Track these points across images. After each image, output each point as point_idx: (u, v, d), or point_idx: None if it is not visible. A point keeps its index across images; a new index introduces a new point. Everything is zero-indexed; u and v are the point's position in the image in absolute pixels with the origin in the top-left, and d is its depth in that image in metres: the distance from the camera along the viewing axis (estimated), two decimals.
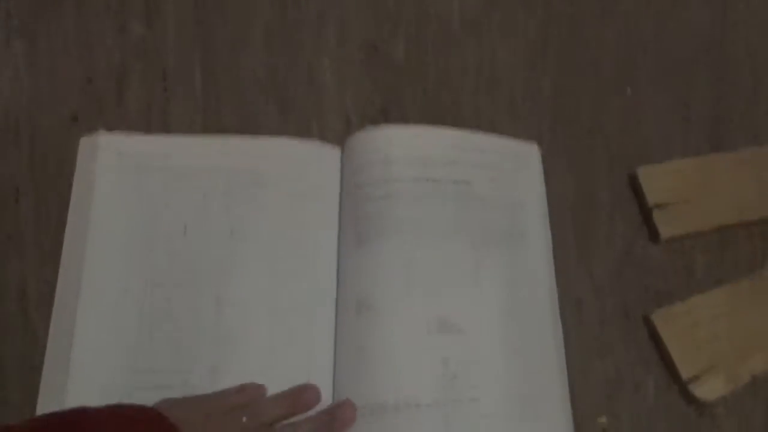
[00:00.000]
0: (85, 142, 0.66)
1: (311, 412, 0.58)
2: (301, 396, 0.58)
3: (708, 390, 0.62)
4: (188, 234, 0.63)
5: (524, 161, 0.68)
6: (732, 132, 0.71)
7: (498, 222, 0.64)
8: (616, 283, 0.66)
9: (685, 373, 0.62)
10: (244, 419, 0.55)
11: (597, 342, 0.64)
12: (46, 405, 0.57)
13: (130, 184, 0.64)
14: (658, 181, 0.68)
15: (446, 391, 0.58)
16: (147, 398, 0.55)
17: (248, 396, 0.58)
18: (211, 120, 0.68)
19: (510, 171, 0.67)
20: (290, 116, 0.69)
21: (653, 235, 0.67)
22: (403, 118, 0.69)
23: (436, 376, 0.58)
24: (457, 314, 0.60)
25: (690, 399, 0.62)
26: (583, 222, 0.67)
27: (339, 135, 0.68)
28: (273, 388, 0.59)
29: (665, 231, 0.66)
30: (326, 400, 0.59)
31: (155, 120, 0.67)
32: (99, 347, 0.59)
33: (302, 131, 0.68)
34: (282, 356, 0.60)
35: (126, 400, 0.54)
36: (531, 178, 0.67)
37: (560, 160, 0.69)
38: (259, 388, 0.58)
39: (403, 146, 0.65)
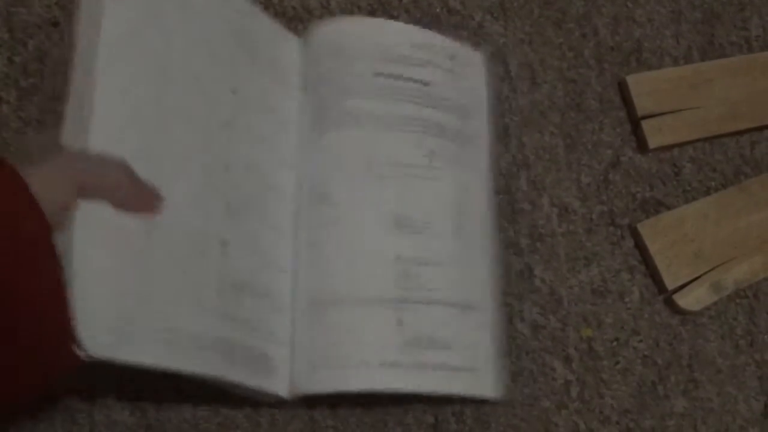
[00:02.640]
0: None
1: None
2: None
3: (692, 300, 0.63)
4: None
5: (471, 67, 0.67)
6: (724, 39, 0.70)
7: (451, 124, 0.63)
8: (603, 191, 0.65)
9: (670, 283, 0.63)
10: None
11: (583, 250, 0.64)
12: None
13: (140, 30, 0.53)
14: (648, 89, 0.67)
15: (398, 288, 0.58)
16: None
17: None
18: None
19: (460, 75, 0.66)
20: (276, 16, 0.67)
21: (641, 143, 0.66)
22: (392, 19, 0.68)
23: (388, 273, 0.58)
24: (412, 211, 0.60)
25: (674, 309, 0.63)
26: (571, 129, 0.67)
27: None
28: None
29: (653, 140, 0.66)
30: (285, 289, 0.58)
31: None
32: None
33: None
34: (241, 243, 0.57)
35: None
36: (476, 84, 0.66)
37: (550, 65, 0.68)
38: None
39: (363, 39, 0.63)
